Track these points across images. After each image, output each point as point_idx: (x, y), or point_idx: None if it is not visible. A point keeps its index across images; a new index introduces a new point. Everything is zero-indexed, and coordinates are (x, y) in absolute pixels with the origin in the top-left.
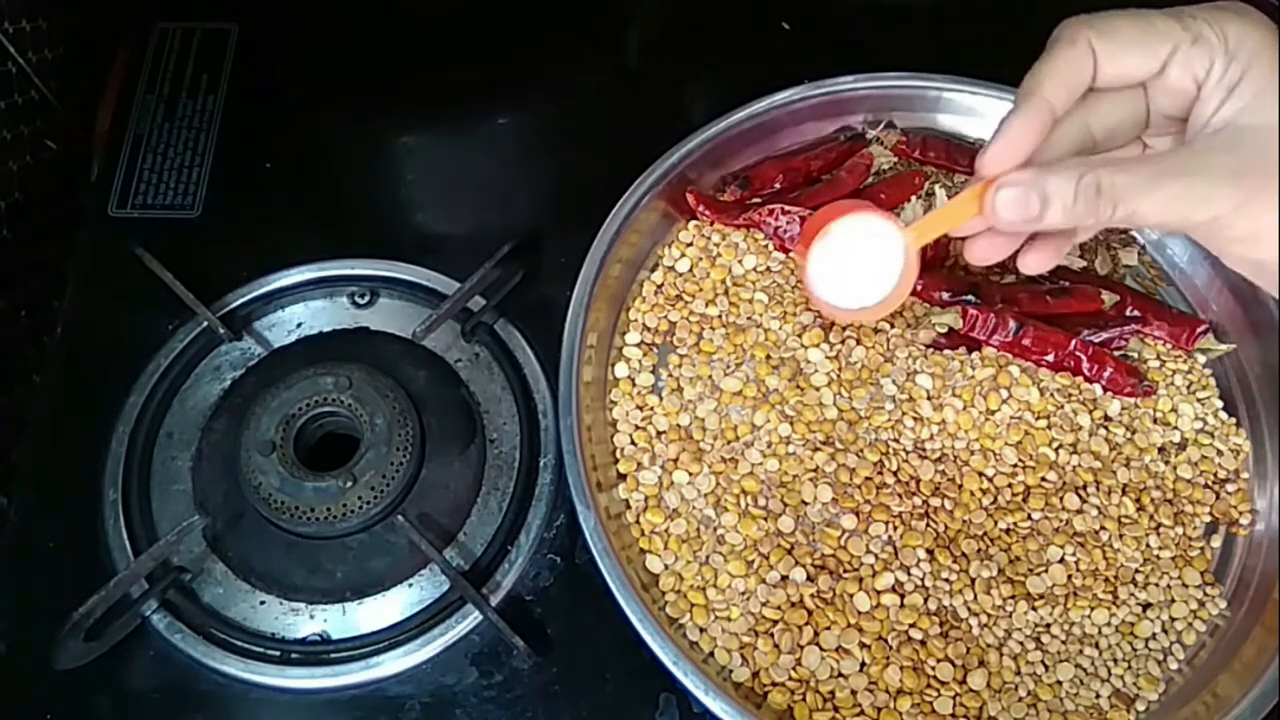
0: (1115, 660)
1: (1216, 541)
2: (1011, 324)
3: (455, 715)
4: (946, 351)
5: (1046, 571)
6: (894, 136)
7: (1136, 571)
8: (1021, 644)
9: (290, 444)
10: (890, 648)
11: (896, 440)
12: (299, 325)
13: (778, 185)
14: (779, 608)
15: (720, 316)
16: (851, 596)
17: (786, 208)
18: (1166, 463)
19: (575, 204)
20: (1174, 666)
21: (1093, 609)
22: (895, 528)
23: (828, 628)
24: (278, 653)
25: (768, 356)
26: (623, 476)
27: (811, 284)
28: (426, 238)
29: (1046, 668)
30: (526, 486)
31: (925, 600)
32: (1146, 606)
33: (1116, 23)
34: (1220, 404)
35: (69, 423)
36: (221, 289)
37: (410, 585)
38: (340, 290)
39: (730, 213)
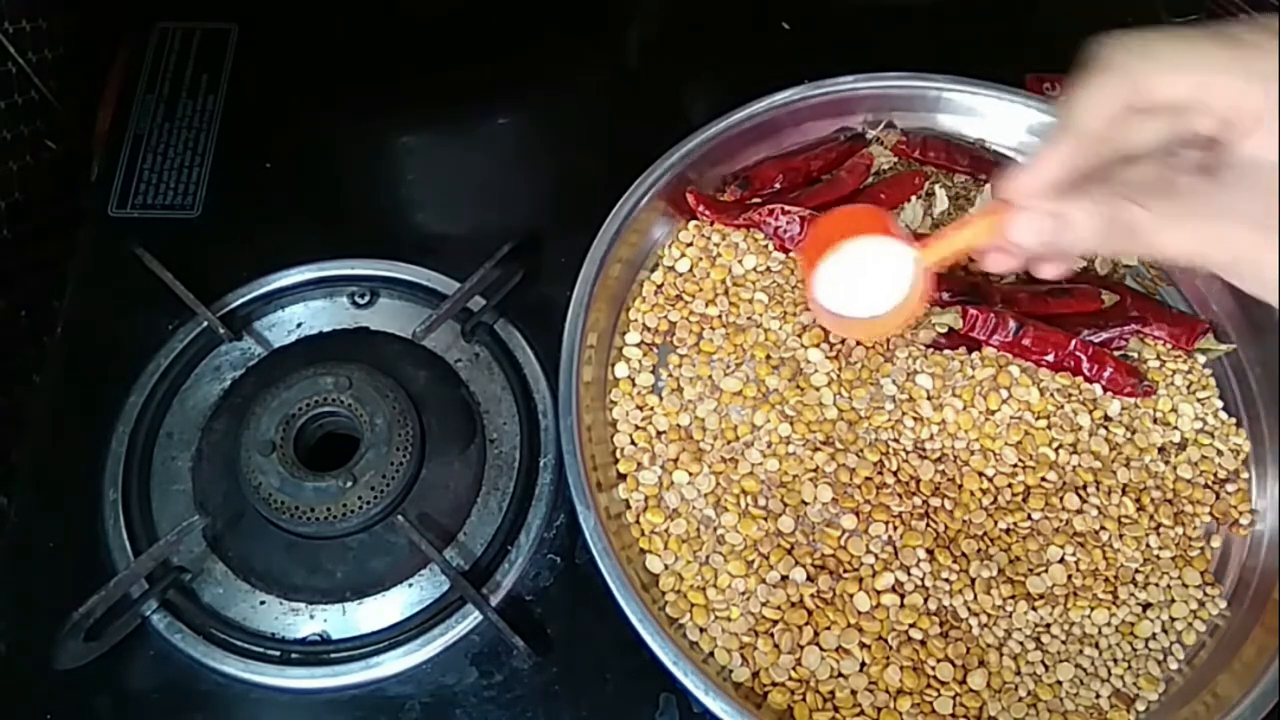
0: (1115, 660)
1: (1216, 541)
2: (1011, 324)
3: (455, 715)
4: (946, 351)
5: (1046, 571)
6: (894, 136)
7: (1136, 571)
8: (1021, 644)
9: (290, 444)
10: (890, 648)
11: (896, 440)
12: (299, 325)
13: (778, 185)
14: (779, 608)
15: (720, 316)
16: (851, 596)
17: (786, 208)
18: (1166, 463)
19: (575, 204)
20: (1174, 666)
21: (1093, 609)
22: (895, 528)
23: (828, 628)
24: (278, 653)
25: (768, 356)
26: (623, 476)
27: (818, 296)
28: (426, 238)
29: (1046, 668)
30: (526, 486)
31: (925, 600)
32: (1146, 606)
33: (1160, 47)
34: (1220, 404)
35: (69, 423)
36: (221, 289)
37: (410, 585)
38: (340, 290)
39: (730, 213)
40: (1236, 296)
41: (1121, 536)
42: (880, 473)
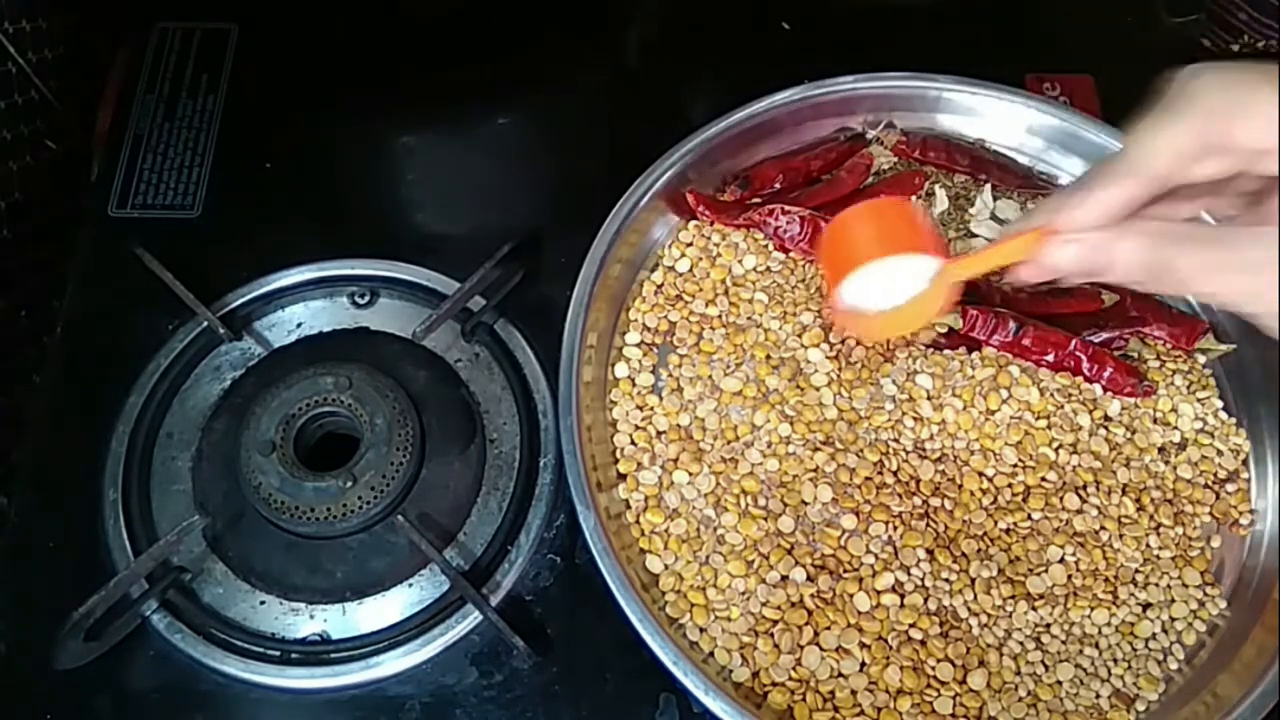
0: (1115, 660)
1: (1216, 541)
2: (1011, 324)
3: (455, 715)
4: (946, 351)
5: (1046, 571)
6: (894, 136)
7: (1136, 571)
8: (1021, 644)
9: (290, 444)
10: (890, 648)
11: (896, 440)
12: (299, 325)
13: (778, 185)
14: (779, 608)
15: (720, 316)
16: (851, 596)
17: (786, 208)
18: (1166, 463)
19: (575, 204)
20: (1174, 666)
21: (1093, 609)
22: (895, 528)
23: (828, 628)
24: (278, 653)
25: (768, 356)
26: (623, 476)
27: (841, 295)
28: (426, 238)
29: (1046, 668)
30: (526, 486)
31: (925, 600)
32: (1146, 606)
33: (1261, 92)
34: (1220, 404)
35: (69, 423)
36: (221, 289)
37: (410, 585)
38: (340, 290)
39: (730, 213)
40: None
41: (1121, 536)
42: (880, 473)
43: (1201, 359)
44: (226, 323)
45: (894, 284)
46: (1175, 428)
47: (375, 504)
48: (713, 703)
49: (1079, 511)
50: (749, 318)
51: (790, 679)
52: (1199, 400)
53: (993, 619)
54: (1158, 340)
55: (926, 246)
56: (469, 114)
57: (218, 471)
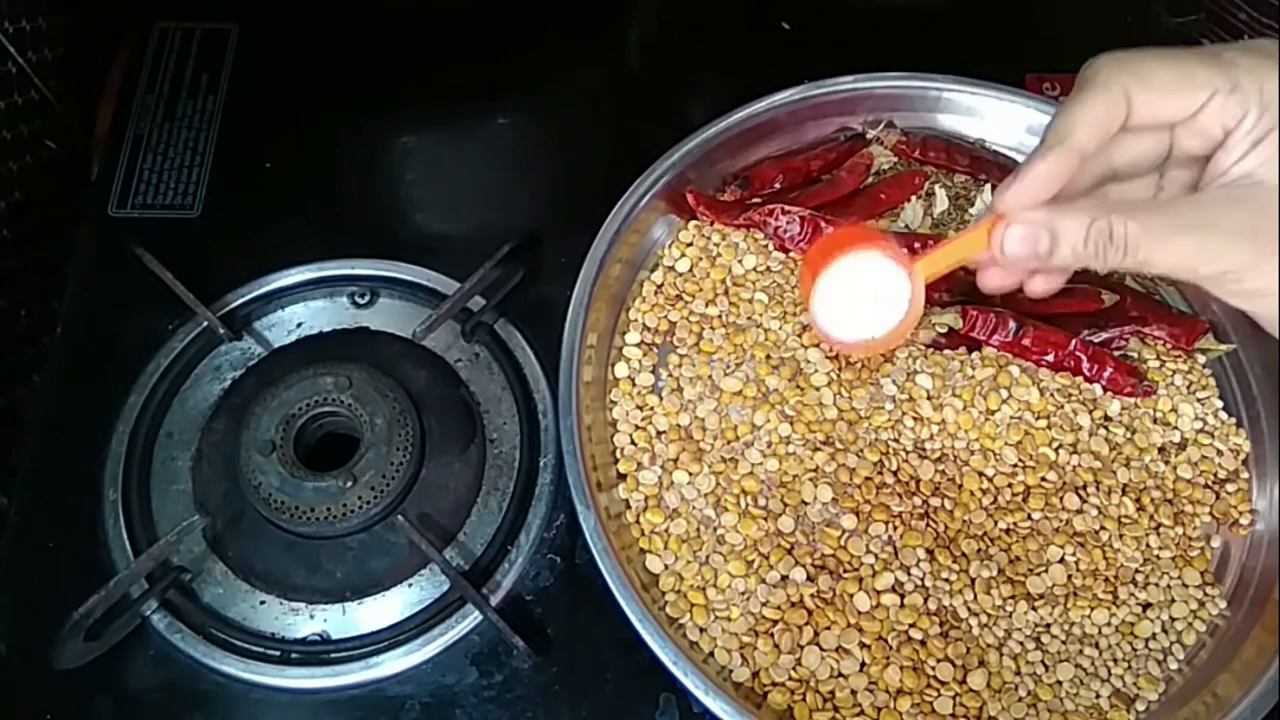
0: (1115, 660)
1: (1216, 541)
2: (1011, 324)
3: (455, 715)
4: (946, 351)
5: (1046, 571)
6: (894, 136)
7: (1136, 571)
8: (1021, 644)
9: (290, 444)
10: (890, 648)
11: (896, 440)
12: (299, 325)
13: (778, 185)
14: (779, 608)
15: (720, 316)
16: (851, 596)
17: (786, 208)
18: (1166, 463)
19: (575, 204)
20: (1174, 666)
21: (1093, 609)
22: (895, 528)
23: (828, 628)
24: (278, 653)
25: (768, 356)
26: (623, 476)
27: (817, 320)
28: (426, 238)
29: (1046, 668)
30: (526, 486)
31: (925, 600)
32: (1146, 606)
33: (1153, 68)
34: (1220, 404)
35: (69, 422)
36: (221, 289)
37: (410, 585)
38: (340, 290)
39: (730, 213)
40: None
41: (1121, 536)
42: (880, 473)
43: (1201, 359)
44: (226, 323)
45: (864, 300)
46: (1175, 428)
47: (375, 504)
48: (713, 703)
49: (1079, 511)
50: (749, 318)
51: (790, 679)
52: (1199, 400)
53: (993, 619)
54: (1158, 340)
55: (888, 251)
56: (469, 114)
57: (218, 471)
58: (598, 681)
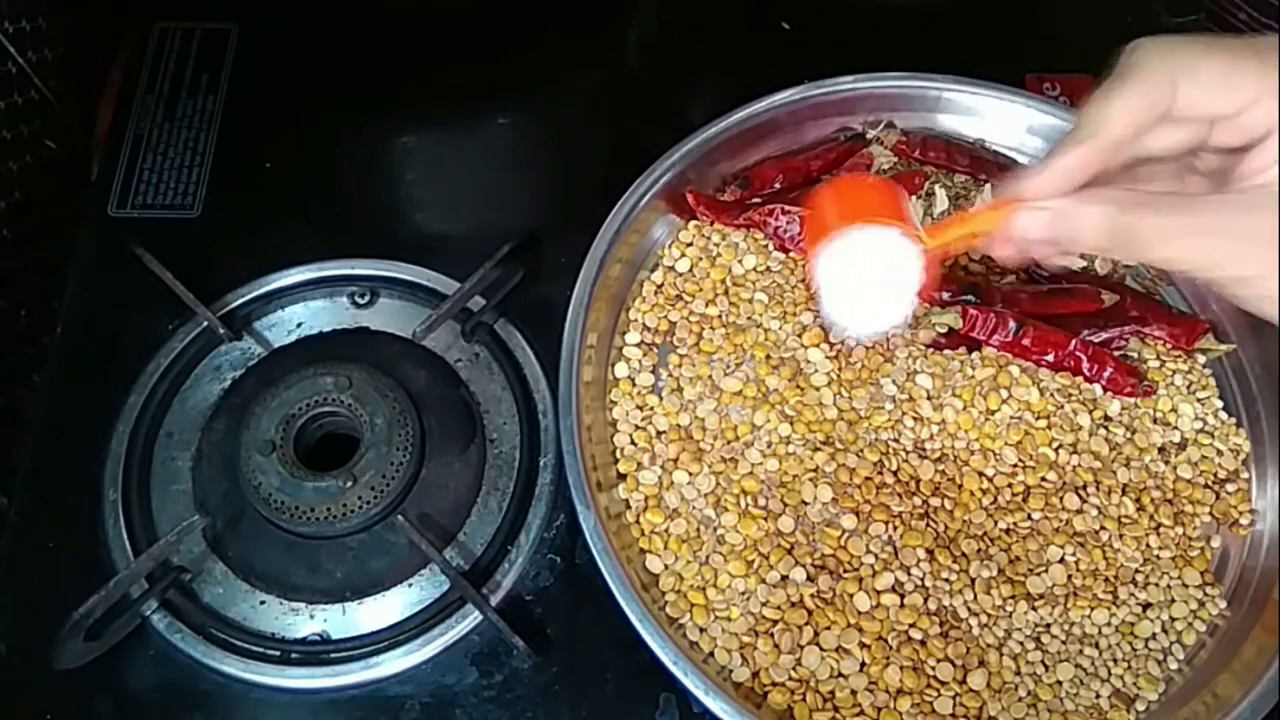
0: (1115, 660)
1: (1216, 541)
2: (1011, 324)
3: (455, 715)
4: (946, 351)
5: (1046, 571)
6: (894, 136)
7: (1136, 571)
8: (1021, 644)
9: (290, 444)
10: (890, 648)
11: (896, 440)
12: (299, 325)
13: (778, 185)
14: (779, 608)
15: (720, 316)
16: (851, 596)
17: (786, 208)
18: (1166, 463)
19: (575, 204)
20: (1174, 666)
21: (1093, 609)
22: (895, 528)
23: (828, 628)
24: (278, 653)
25: (768, 356)
26: (623, 476)
27: (826, 307)
28: (426, 238)
29: (1046, 668)
30: (526, 486)
31: (925, 600)
32: (1146, 606)
33: (1201, 60)
34: (1220, 404)
35: (69, 422)
36: (221, 289)
37: (410, 585)
38: (340, 290)
39: (730, 213)
40: None
41: (1121, 536)
42: (880, 473)
43: (1201, 359)
44: (226, 323)
45: (872, 276)
46: (1175, 428)
47: (375, 504)
48: (713, 703)
49: (1079, 511)
50: (749, 318)
51: (790, 679)
52: (1199, 400)
53: (993, 619)
54: (1158, 340)
55: (901, 217)
56: (469, 114)
57: (218, 471)
58: (598, 681)
